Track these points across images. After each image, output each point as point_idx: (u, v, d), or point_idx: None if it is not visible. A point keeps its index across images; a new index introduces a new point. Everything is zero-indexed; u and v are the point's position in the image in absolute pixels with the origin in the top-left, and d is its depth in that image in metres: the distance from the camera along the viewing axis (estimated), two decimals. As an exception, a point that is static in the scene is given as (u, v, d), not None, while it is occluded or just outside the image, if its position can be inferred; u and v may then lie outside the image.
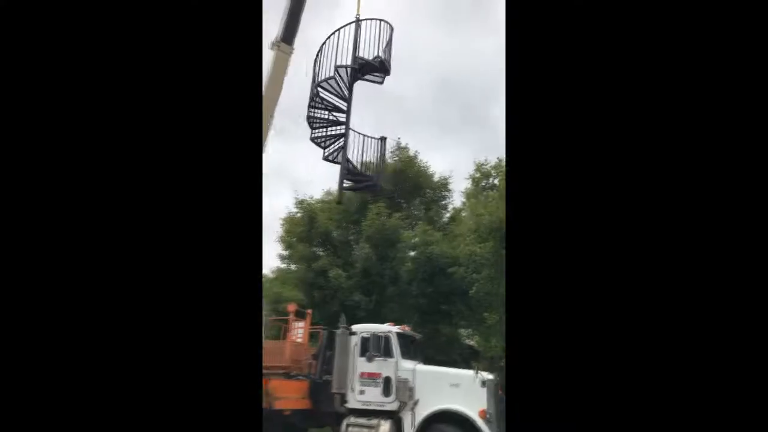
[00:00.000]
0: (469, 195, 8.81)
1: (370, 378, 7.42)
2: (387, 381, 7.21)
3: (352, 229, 13.56)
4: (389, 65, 7.58)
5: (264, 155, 9.60)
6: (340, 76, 7.27)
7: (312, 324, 9.10)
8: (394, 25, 7.56)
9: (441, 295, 10.81)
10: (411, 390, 7.02)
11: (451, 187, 14.02)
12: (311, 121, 7.80)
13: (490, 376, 6.56)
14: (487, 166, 7.64)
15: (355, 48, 7.24)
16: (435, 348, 10.28)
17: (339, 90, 7.42)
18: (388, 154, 10.82)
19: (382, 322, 8.65)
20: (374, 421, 7.10)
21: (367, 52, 7.34)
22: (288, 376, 8.21)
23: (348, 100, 7.42)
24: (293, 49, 9.00)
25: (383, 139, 7.89)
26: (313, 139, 7.95)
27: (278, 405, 7.15)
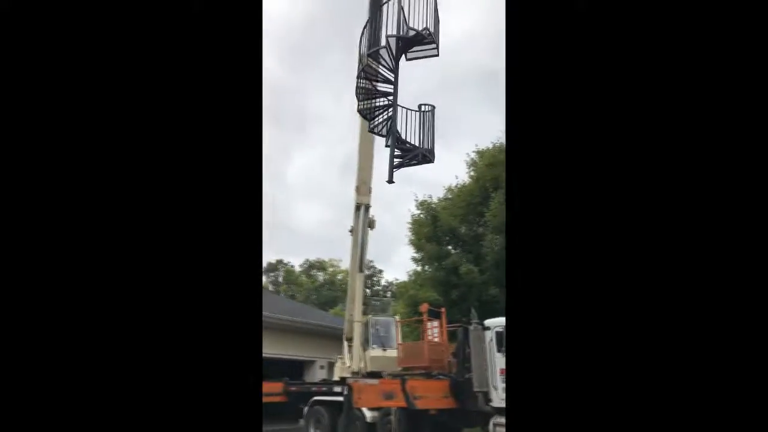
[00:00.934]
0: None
1: (511, 374, 7.04)
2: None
3: (477, 222, 13.19)
4: (437, 37, 7.06)
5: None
6: (389, 46, 6.98)
7: (450, 322, 9.01)
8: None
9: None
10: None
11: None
12: (359, 93, 7.55)
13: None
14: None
15: (402, 19, 6.81)
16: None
17: (387, 61, 7.10)
18: None
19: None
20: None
21: (416, 23, 6.85)
22: (429, 375, 8.25)
23: (395, 71, 7.08)
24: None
25: (433, 109, 7.42)
26: (359, 111, 7.79)
27: (420, 404, 7.21)
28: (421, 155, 7.07)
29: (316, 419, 9.49)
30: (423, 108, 7.31)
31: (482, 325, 7.69)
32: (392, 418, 8.03)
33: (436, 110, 7.37)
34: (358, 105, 7.67)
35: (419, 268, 15.01)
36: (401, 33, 6.73)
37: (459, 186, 14.44)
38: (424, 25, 6.72)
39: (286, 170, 48.07)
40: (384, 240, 37.53)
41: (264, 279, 34.91)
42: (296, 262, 35.87)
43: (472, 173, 14.39)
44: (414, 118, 7.20)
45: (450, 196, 14.44)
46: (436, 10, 6.95)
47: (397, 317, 10.17)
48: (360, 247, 10.13)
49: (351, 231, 10.54)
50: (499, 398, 7.14)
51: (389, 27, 6.78)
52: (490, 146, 14.09)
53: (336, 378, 10.14)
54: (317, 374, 13.53)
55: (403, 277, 19.89)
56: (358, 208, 10.11)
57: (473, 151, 14.60)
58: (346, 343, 10.16)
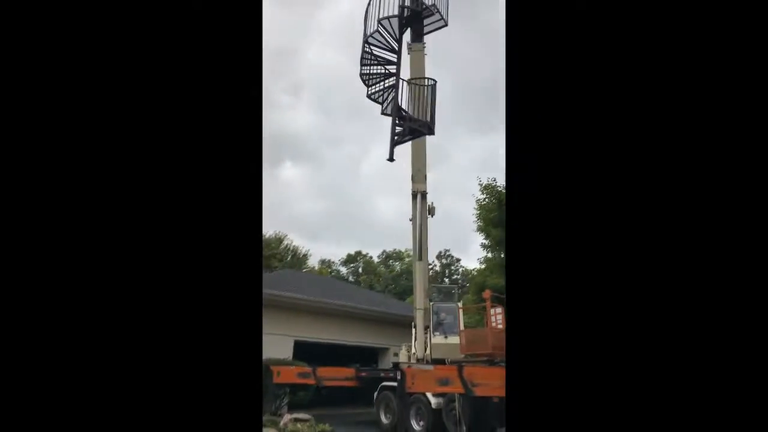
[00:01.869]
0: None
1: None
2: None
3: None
4: (441, 10, 6.98)
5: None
6: (385, 28, 7.08)
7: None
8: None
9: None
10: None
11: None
12: (365, 78, 7.78)
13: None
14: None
15: None
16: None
17: (387, 43, 7.34)
18: None
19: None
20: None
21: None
22: (492, 363, 8.10)
23: (398, 51, 7.27)
24: (425, 45, 9.01)
25: (434, 84, 7.57)
26: (369, 96, 7.92)
27: (479, 392, 7.10)
28: (419, 128, 7.20)
29: (385, 404, 9.75)
30: (427, 82, 7.45)
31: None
32: (455, 405, 8.02)
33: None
34: (361, 70, 7.85)
35: (490, 255, 14.66)
36: (404, 11, 6.82)
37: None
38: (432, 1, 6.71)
39: (361, 164, 49.15)
40: (462, 228, 37.07)
41: (344, 270, 36.20)
42: (374, 254, 36.67)
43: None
44: (420, 92, 7.39)
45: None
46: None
47: (460, 304, 10.04)
48: (419, 235, 10.13)
49: (411, 220, 10.59)
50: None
51: (389, 10, 7.03)
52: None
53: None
54: (390, 361, 13.84)
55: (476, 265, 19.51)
56: (414, 196, 10.12)
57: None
58: (413, 331, 10.28)
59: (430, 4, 6.90)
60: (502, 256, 13.55)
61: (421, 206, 10.12)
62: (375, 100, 8.19)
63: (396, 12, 7.13)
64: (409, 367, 8.54)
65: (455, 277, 32.56)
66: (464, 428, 7.85)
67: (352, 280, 34.22)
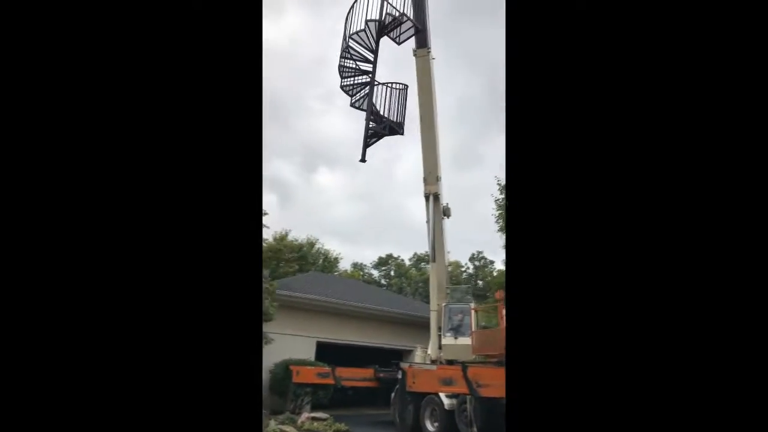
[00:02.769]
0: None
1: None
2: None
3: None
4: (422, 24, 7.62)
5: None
6: (369, 30, 7.69)
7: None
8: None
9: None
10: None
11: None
12: (342, 70, 8.37)
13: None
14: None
15: (383, 4, 7.72)
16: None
17: (367, 42, 7.98)
18: None
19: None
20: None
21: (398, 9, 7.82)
22: (501, 363, 8.04)
23: (375, 51, 7.91)
24: (429, 50, 9.16)
25: (406, 87, 8.27)
26: (342, 87, 8.52)
27: (484, 393, 7.07)
28: (389, 127, 7.76)
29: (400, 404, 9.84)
30: (397, 86, 8.15)
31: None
32: (467, 406, 8.02)
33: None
34: (341, 82, 8.46)
35: (513, 255, 14.45)
36: (382, 18, 7.35)
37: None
38: (402, 11, 7.20)
39: (395, 168, 49.41)
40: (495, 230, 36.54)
41: (375, 273, 36.42)
42: (406, 257, 36.72)
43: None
44: (391, 95, 8.11)
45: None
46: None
47: (473, 305, 9.98)
48: (432, 237, 10.18)
49: (428, 222, 10.64)
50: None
51: (370, 12, 7.64)
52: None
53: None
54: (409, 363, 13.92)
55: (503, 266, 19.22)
56: (427, 198, 10.17)
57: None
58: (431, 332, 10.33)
59: (397, 15, 7.50)
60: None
61: (434, 208, 10.16)
62: (347, 92, 8.88)
63: (375, 16, 7.70)
64: (410, 366, 8.59)
65: (488, 279, 32.10)
66: (475, 429, 7.84)
67: (384, 283, 34.40)
